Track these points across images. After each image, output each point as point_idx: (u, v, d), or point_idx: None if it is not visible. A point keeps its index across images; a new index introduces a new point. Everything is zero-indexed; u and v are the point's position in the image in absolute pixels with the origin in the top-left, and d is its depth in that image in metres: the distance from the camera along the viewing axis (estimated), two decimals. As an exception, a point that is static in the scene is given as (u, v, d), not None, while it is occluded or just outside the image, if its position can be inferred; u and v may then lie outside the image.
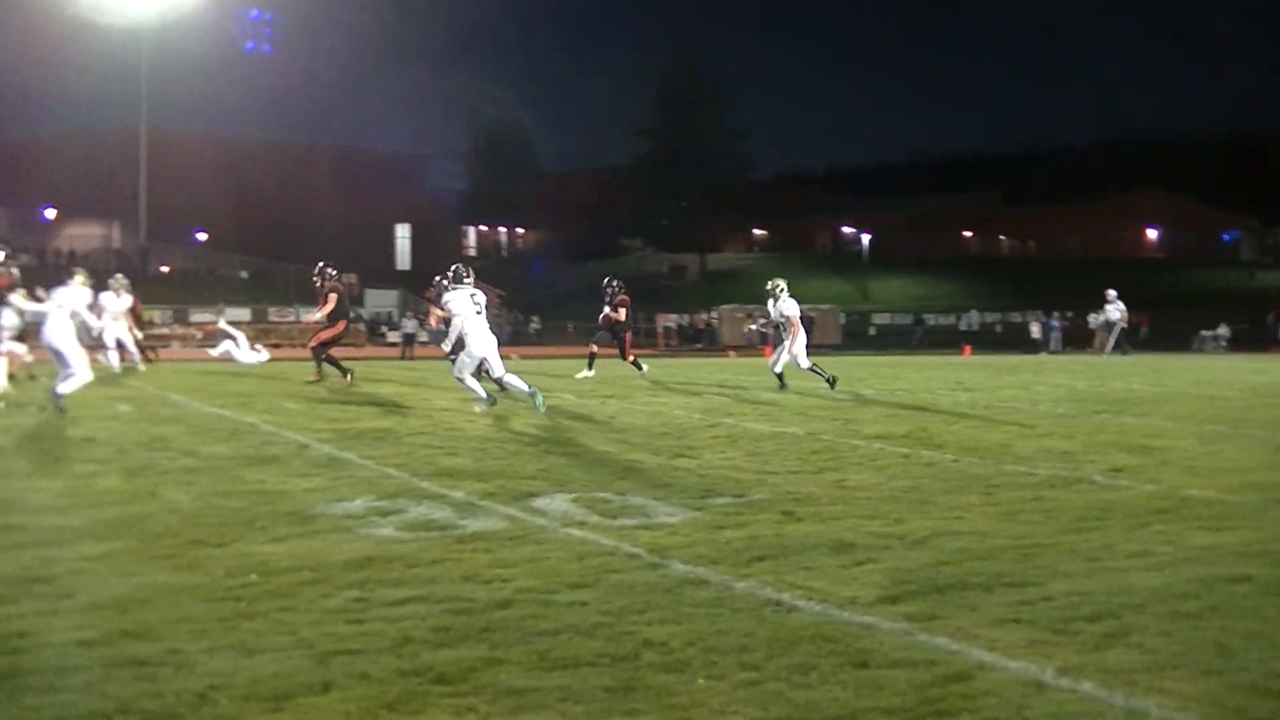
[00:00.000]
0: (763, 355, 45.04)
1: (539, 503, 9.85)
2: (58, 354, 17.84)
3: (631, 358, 27.14)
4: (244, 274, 79.01)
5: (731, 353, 51.62)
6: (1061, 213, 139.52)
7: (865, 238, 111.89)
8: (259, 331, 58.29)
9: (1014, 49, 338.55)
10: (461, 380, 18.47)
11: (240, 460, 12.29)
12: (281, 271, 77.04)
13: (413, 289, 74.71)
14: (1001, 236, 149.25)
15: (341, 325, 23.88)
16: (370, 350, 54.04)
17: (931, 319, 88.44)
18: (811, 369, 23.77)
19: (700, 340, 66.09)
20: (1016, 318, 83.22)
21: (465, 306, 18.51)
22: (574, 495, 10.25)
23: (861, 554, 7.92)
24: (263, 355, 34.96)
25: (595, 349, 27.27)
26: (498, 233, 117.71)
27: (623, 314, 27.06)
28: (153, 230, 78.69)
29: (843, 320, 79.08)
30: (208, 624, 6.12)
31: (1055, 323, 64.44)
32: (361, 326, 59.09)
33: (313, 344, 24.08)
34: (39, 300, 19.48)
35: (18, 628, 6.02)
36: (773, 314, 24.11)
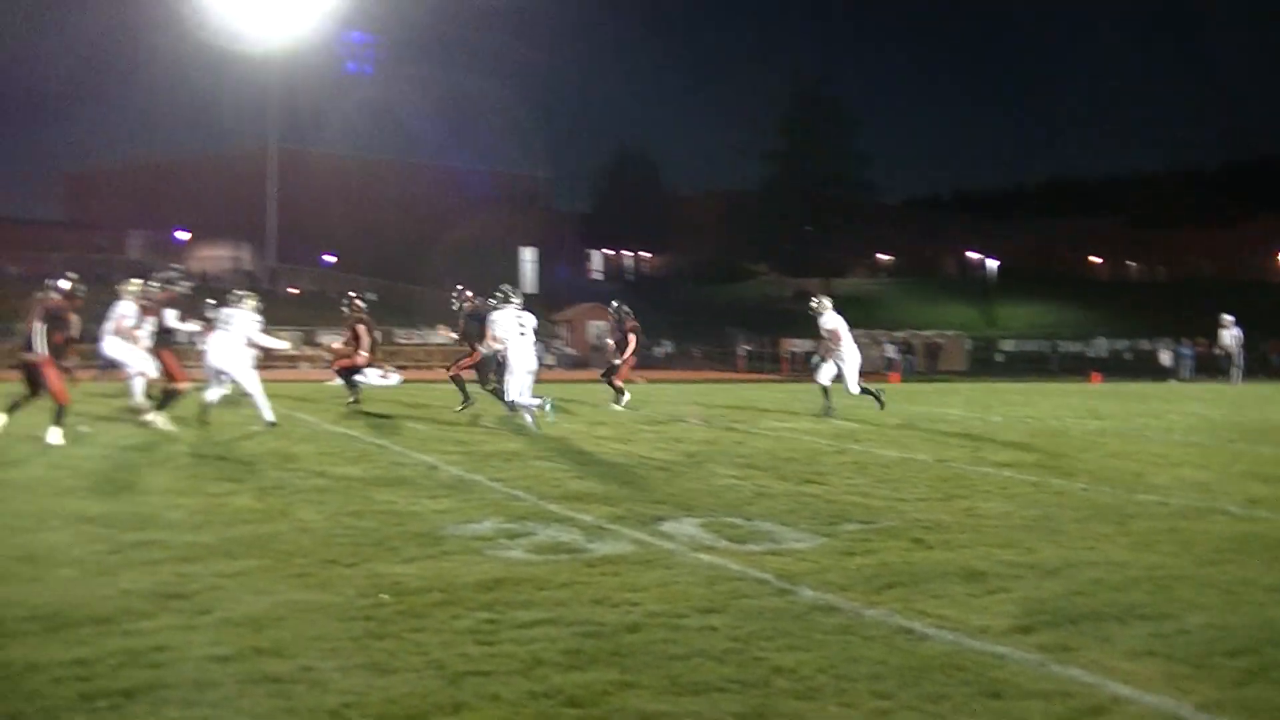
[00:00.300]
0: (888, 382, 44.76)
1: (667, 526, 9.83)
2: (225, 375, 18.21)
3: (619, 383, 25.41)
4: (371, 296, 79.77)
5: (857, 379, 51.30)
6: (1192, 237, 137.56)
7: (992, 263, 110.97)
8: (386, 354, 58.82)
9: (1143, 71, 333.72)
10: (514, 404, 18.59)
11: (370, 481, 12.45)
12: (409, 293, 77.71)
13: (538, 312, 75.10)
14: (1130, 261, 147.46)
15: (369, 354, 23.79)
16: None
17: (1059, 345, 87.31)
18: (825, 388, 22.76)
19: (824, 365, 65.43)
20: (1145, 344, 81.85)
21: (510, 328, 19.07)
22: (702, 520, 10.22)
23: (993, 583, 7.83)
24: (392, 379, 35.26)
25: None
26: (623, 256, 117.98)
27: (633, 341, 25.55)
28: (282, 252, 79.90)
29: (969, 346, 78.36)
30: (340, 643, 6.19)
31: (1186, 349, 63.27)
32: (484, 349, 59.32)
33: (336, 366, 24.27)
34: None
35: (157, 642, 6.13)
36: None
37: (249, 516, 10.03)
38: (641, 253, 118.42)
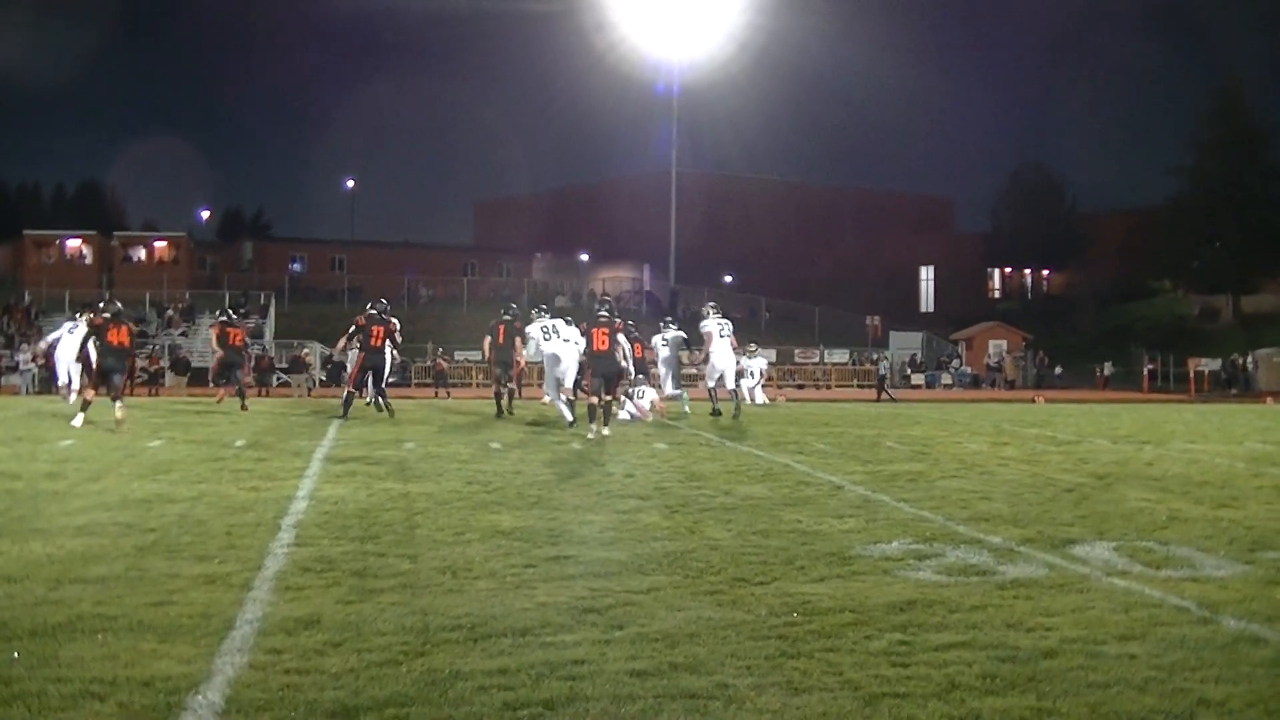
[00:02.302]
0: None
1: (1079, 550, 9.57)
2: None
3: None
4: (768, 315, 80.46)
5: (1269, 399, 48.94)
6: None
7: None
8: (784, 372, 59.21)
9: None
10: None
11: (776, 500, 12.48)
12: (806, 313, 77.99)
13: (937, 331, 74.39)
14: None
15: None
16: (894, 392, 54.01)
17: None
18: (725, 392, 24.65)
19: (1234, 385, 62.99)
20: None
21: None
22: (1115, 543, 9.92)
23: None
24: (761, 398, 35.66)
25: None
26: (1024, 275, 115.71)
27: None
28: (681, 273, 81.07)
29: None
30: (754, 661, 6.20)
31: None
32: (884, 369, 59.18)
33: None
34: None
35: (574, 655, 6.26)
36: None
37: (658, 533, 10.18)
38: (1043, 271, 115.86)
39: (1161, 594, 7.94)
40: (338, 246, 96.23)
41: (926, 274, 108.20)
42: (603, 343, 21.36)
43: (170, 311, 60.12)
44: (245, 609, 7.22)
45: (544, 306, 26.44)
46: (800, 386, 55.93)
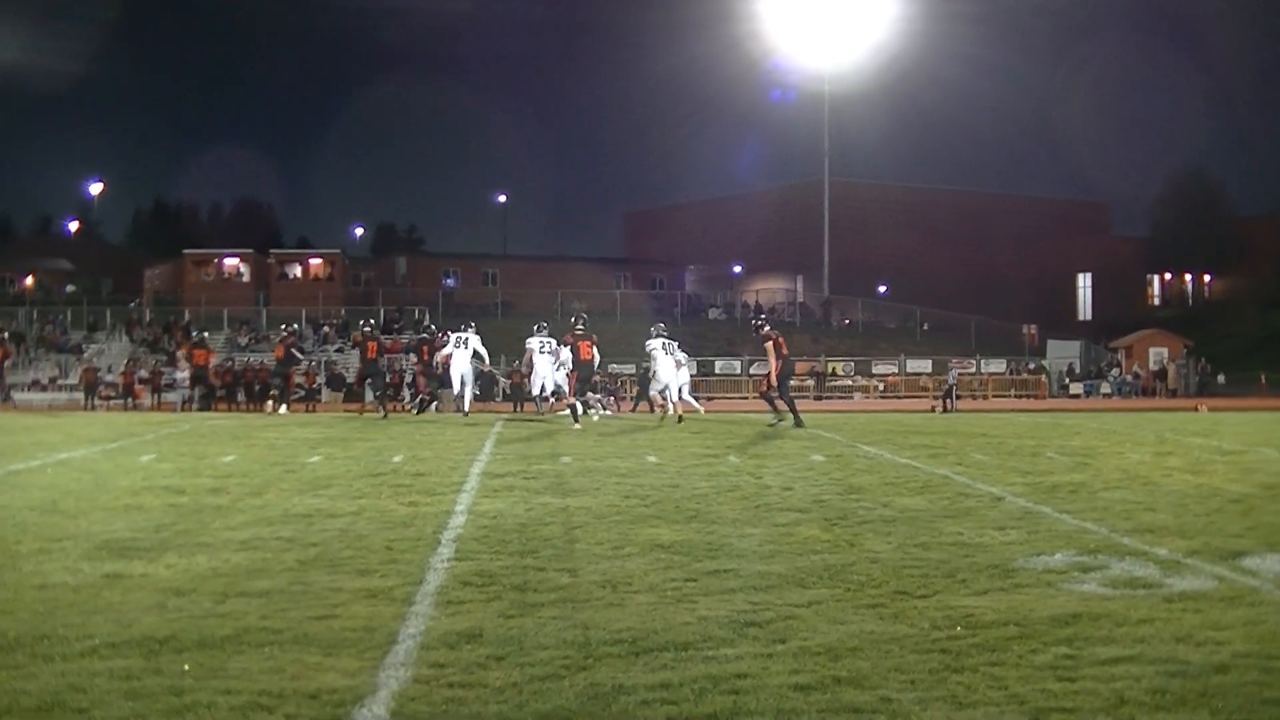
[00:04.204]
0: None
1: (1249, 563, 9.37)
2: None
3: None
4: (925, 325, 79.63)
5: None
6: None
7: None
8: (939, 382, 58.62)
9: None
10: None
11: (936, 512, 12.35)
12: (961, 323, 77.07)
13: (1094, 339, 73.10)
14: None
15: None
16: (1053, 402, 53.29)
17: None
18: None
19: (1404, 394, 60.96)
20: None
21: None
22: (1287, 556, 9.66)
23: None
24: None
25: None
26: (1184, 281, 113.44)
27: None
28: (835, 283, 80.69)
29: None
30: (918, 675, 6.17)
31: None
32: (1044, 377, 58.22)
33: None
34: None
35: (736, 669, 6.27)
36: None
37: (817, 546, 10.14)
38: (1204, 277, 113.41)
39: (1336, 608, 7.73)
40: (490, 261, 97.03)
41: (1084, 281, 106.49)
42: (588, 353, 26.64)
43: (325, 328, 60.85)
44: (407, 623, 7.32)
45: (471, 323, 31.54)
46: (957, 397, 55.25)
